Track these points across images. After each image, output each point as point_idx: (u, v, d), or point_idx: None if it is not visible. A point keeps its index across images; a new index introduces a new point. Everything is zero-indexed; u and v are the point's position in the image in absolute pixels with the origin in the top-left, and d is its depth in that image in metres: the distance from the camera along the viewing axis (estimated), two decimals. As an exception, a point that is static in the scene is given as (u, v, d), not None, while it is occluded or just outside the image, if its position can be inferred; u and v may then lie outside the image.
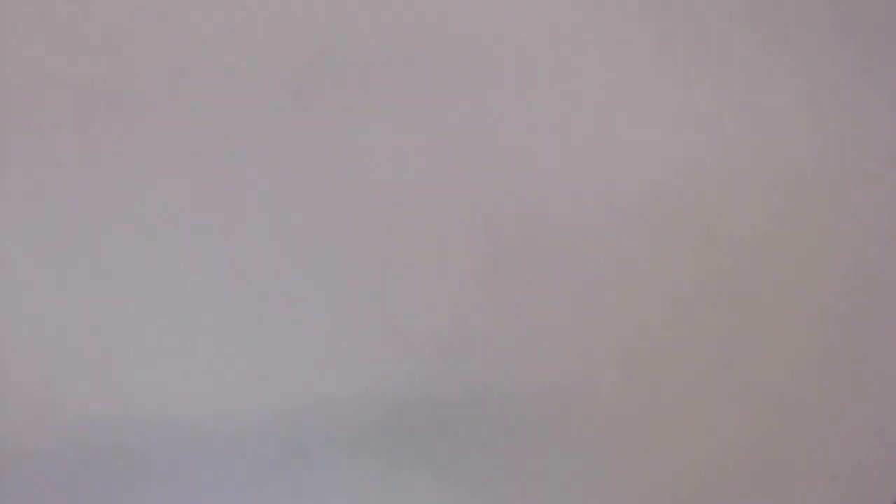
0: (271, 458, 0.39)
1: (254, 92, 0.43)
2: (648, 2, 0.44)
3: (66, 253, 0.41)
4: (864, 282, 0.41)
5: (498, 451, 0.39)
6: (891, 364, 0.40)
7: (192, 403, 0.39)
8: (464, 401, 0.39)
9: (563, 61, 0.43)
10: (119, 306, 0.40)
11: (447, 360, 0.39)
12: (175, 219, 0.41)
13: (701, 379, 0.40)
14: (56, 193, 0.42)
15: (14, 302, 0.40)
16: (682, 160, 0.42)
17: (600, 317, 0.40)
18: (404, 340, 0.40)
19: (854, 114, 0.43)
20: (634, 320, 0.40)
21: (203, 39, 0.43)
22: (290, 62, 0.43)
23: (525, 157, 0.42)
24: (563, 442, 0.39)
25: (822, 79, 0.43)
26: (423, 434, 0.39)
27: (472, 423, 0.39)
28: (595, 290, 0.40)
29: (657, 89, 0.43)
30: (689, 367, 0.40)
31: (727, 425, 0.39)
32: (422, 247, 0.41)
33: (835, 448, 0.39)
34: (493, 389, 0.39)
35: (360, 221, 0.41)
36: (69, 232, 0.41)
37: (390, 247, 0.41)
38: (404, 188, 0.41)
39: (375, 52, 0.43)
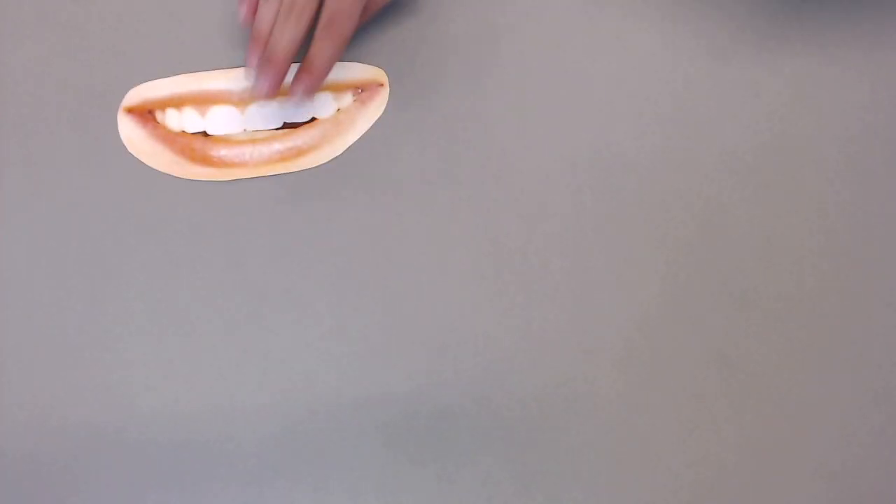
0: (271, 459, 0.39)
1: (254, 92, 0.43)
2: (648, 1, 0.44)
3: (65, 253, 0.41)
4: (863, 277, 0.41)
5: (498, 451, 0.39)
6: (891, 364, 0.40)
7: (193, 404, 0.39)
8: (464, 401, 0.39)
9: (564, 60, 0.43)
10: (119, 307, 0.40)
11: (447, 360, 0.39)
12: (175, 219, 0.41)
13: (701, 379, 0.40)
14: (56, 193, 0.42)
15: (13, 302, 0.40)
16: (682, 157, 0.42)
17: (600, 316, 0.40)
18: (405, 341, 0.40)
19: (853, 108, 0.43)
20: (634, 320, 0.40)
21: (203, 40, 0.43)
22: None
23: (525, 156, 0.42)
24: (563, 442, 0.39)
25: (821, 74, 0.43)
26: (424, 434, 0.39)
27: (473, 422, 0.39)
28: (595, 289, 0.40)
29: (656, 88, 0.43)
30: (688, 367, 0.40)
31: (727, 425, 0.39)
32: (422, 246, 0.41)
33: (835, 448, 0.39)
34: (493, 390, 0.39)
35: (360, 221, 0.41)
36: (69, 232, 0.41)
37: (390, 247, 0.41)
38: (404, 187, 0.42)
39: (374, 50, 0.43)
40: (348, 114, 0.42)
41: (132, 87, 0.43)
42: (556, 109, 0.42)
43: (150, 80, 0.43)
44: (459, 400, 0.39)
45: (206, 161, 0.42)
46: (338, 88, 0.43)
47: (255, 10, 0.41)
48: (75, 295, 0.40)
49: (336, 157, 0.42)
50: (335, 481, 0.38)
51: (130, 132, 0.42)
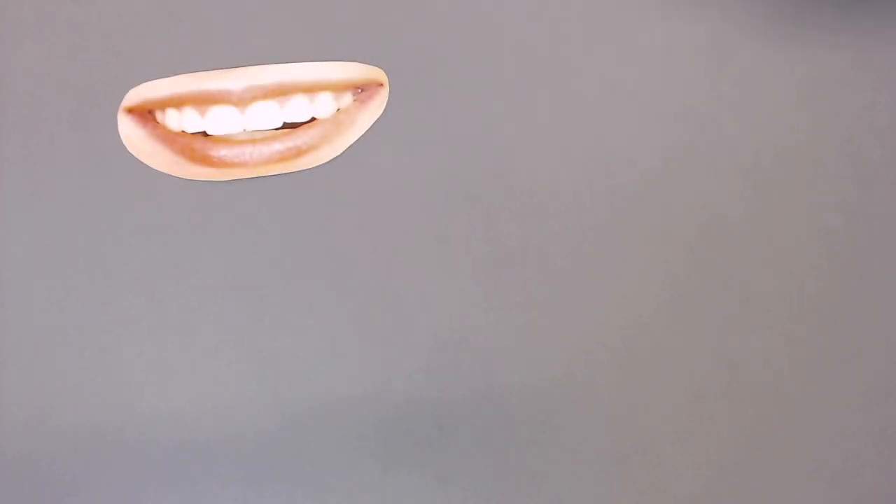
0: (271, 459, 0.39)
1: (254, 92, 0.43)
2: (648, 1, 0.44)
3: (65, 253, 0.41)
4: (863, 277, 0.41)
5: (498, 450, 0.39)
6: (891, 363, 0.40)
7: (193, 404, 0.39)
8: (464, 401, 0.39)
9: (564, 60, 0.43)
10: (119, 307, 0.40)
11: (447, 360, 0.39)
12: (175, 219, 0.41)
13: (701, 378, 0.40)
14: (56, 193, 0.42)
15: (13, 302, 0.40)
16: (682, 157, 0.42)
17: (600, 316, 0.40)
18: (404, 341, 0.40)
19: (854, 108, 0.43)
20: (634, 320, 0.40)
21: (203, 40, 0.43)
22: (289, 61, 0.43)
23: (525, 156, 0.42)
24: (563, 441, 0.39)
25: (821, 72, 0.43)
26: (424, 434, 0.39)
27: (472, 422, 0.39)
28: (595, 289, 0.40)
29: (657, 88, 0.43)
30: (689, 367, 0.40)
31: (727, 424, 0.39)
32: (422, 246, 0.41)
33: (835, 448, 0.39)
34: (493, 390, 0.39)
35: (359, 221, 0.41)
36: (69, 232, 0.41)
37: (390, 247, 0.41)
38: (404, 187, 0.42)
39: (374, 50, 0.43)
40: (348, 114, 0.42)
41: (132, 87, 0.43)
42: (557, 110, 0.42)
43: (150, 80, 0.43)
44: (459, 400, 0.39)
45: (206, 161, 0.42)
46: (338, 88, 0.43)
47: None
48: (75, 295, 0.40)
49: (336, 157, 0.42)
50: (335, 481, 0.38)
51: (130, 132, 0.42)
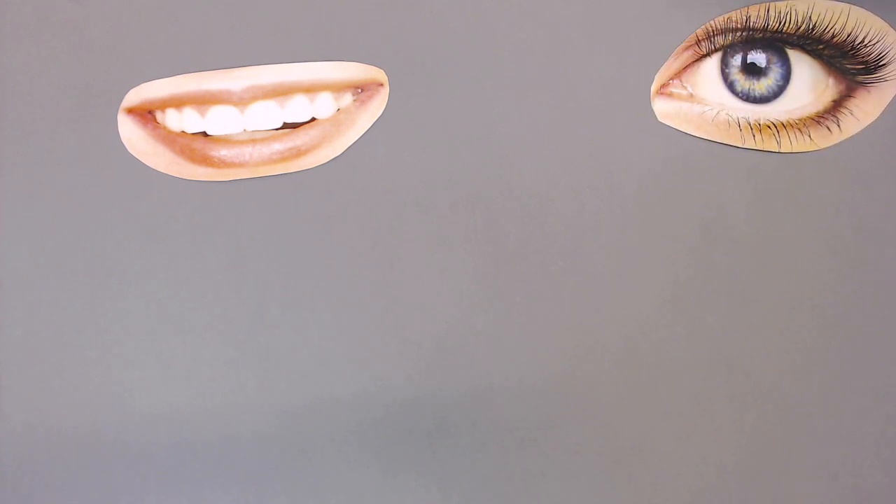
0: (271, 459, 0.39)
1: (254, 92, 0.43)
2: (648, 1, 0.44)
3: (65, 253, 0.41)
4: (863, 279, 0.41)
5: (498, 450, 0.39)
6: (891, 364, 0.40)
7: (192, 404, 0.39)
8: (464, 400, 0.39)
9: (563, 61, 0.43)
10: (118, 306, 0.40)
11: (447, 359, 0.39)
12: (175, 219, 0.41)
13: (701, 378, 0.40)
14: (56, 193, 0.42)
15: (13, 302, 0.40)
16: (682, 157, 0.42)
17: (600, 316, 0.40)
18: (404, 340, 0.40)
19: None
20: (634, 320, 0.40)
21: (203, 40, 0.43)
22: (289, 61, 0.43)
23: (525, 156, 0.42)
24: (563, 441, 0.39)
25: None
26: (423, 434, 0.39)
27: (472, 422, 0.39)
28: (595, 289, 0.40)
29: (657, 86, 0.43)
30: (689, 367, 0.40)
31: (727, 424, 0.39)
32: (422, 246, 0.41)
33: (835, 448, 0.39)
34: (493, 389, 0.39)
35: (359, 221, 0.41)
36: (69, 232, 0.41)
37: (390, 246, 0.41)
38: (404, 187, 0.42)
39: (374, 50, 0.43)
40: (348, 114, 0.42)
41: (132, 87, 0.43)
42: (557, 110, 0.42)
43: (150, 80, 0.43)
44: (459, 400, 0.39)
45: (206, 161, 0.42)
46: (338, 88, 0.43)
47: None
48: (75, 295, 0.40)
49: (336, 157, 0.42)
50: (335, 481, 0.38)
51: (130, 132, 0.42)
